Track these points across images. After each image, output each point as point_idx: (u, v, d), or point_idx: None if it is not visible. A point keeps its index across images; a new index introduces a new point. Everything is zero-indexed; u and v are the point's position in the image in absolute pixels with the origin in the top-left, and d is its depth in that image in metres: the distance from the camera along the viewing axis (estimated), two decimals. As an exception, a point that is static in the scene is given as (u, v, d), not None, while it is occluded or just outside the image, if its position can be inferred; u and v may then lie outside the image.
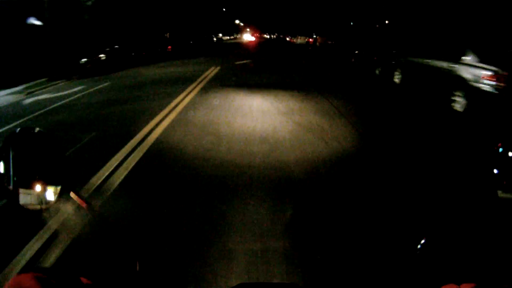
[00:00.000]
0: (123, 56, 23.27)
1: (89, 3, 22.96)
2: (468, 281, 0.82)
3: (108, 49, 22.55)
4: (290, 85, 11.64)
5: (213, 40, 73.96)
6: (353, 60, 17.26)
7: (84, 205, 1.00)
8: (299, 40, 43.68)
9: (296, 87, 11.21)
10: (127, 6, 32.63)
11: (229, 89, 11.21)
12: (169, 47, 42.45)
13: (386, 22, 35.21)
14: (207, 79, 13.58)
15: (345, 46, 24.91)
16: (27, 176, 0.93)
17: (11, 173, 0.92)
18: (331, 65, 18.22)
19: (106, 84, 14.72)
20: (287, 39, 61.89)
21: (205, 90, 11.18)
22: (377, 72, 14.00)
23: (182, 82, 13.04)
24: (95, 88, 13.74)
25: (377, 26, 34.75)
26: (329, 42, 29.96)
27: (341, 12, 39.92)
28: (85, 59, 20.99)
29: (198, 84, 12.46)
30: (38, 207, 0.95)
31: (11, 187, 0.92)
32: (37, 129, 0.97)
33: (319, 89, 10.83)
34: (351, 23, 43.60)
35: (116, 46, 23.48)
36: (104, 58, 21.79)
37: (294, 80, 12.97)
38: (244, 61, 20.84)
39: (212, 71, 15.98)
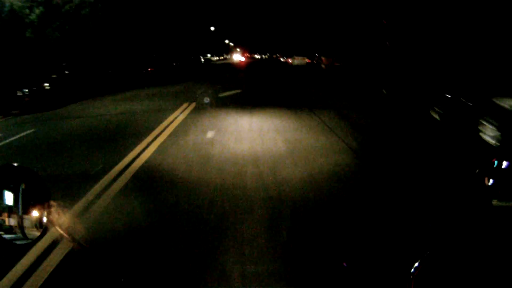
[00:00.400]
0: (75, 84, 18.11)
1: (33, 16, 17.88)
2: None
3: (55, 75, 17.42)
4: (312, 150, 6.55)
5: (201, 61, 69.71)
6: (384, 92, 12.26)
7: (66, 235, 1.17)
8: (297, 60, 38.48)
9: (329, 158, 6.11)
10: (99, 23, 27.78)
11: (196, 164, 6.10)
12: (150, 69, 37.59)
13: (386, 42, 30.74)
14: (168, 131, 8.44)
15: (359, 69, 20.16)
16: (31, 205, 1.07)
17: (20, 203, 1.05)
18: (354, 99, 13.22)
19: (27, 133, 9.72)
20: (281, 59, 56.88)
21: (153, 164, 6.05)
22: (435, 116, 9.00)
23: (127, 137, 7.96)
24: (6, 141, 8.81)
25: (387, 43, 30.30)
26: (337, 64, 25.09)
27: (343, 28, 35.53)
28: (25, 90, 15.87)
29: (151, 142, 7.33)
30: (38, 233, 1.07)
31: (20, 215, 1.04)
32: (16, 164, 1.13)
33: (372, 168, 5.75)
34: (350, 41, 39.17)
35: (66, 72, 18.35)
36: (49, 87, 16.64)
37: (313, 136, 7.93)
38: (231, 92, 15.79)
39: (182, 112, 10.86)
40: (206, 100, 13.26)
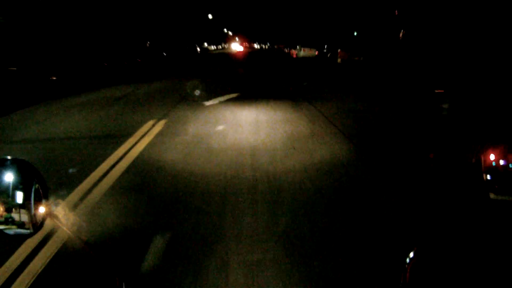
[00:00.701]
0: (25, 83, 13.93)
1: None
2: None
3: (-7, 73, 13.22)
4: None
5: (197, 51, 65.43)
6: (445, 109, 7.93)
7: (62, 226, 1.16)
8: (303, 52, 33.48)
9: None
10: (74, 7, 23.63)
11: None
12: (138, 60, 33.34)
13: (402, 32, 26.46)
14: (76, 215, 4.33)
15: (388, 67, 16.00)
16: (37, 200, 1.10)
17: (32, 201, 1.06)
18: (400, 116, 9.14)
19: None
20: (285, 50, 51.69)
21: None
22: None
23: None
24: None
25: (401, 34, 26.11)
26: (356, 59, 20.69)
27: (353, 17, 31.25)
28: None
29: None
30: (37, 225, 1.10)
31: (32, 213, 1.06)
32: (9, 157, 1.11)
33: None
34: (355, 33, 34.97)
35: (12, 68, 14.12)
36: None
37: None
38: (225, 98, 11.61)
39: (139, 141, 6.71)
40: (185, 114, 9.15)
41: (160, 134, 7.15)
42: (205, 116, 8.88)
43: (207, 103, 10.54)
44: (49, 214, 1.10)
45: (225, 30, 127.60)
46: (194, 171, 5.07)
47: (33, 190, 1.06)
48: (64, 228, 1.15)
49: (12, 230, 1.05)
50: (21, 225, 1.05)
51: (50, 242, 3.26)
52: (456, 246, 1.16)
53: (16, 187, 1.05)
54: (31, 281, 2.78)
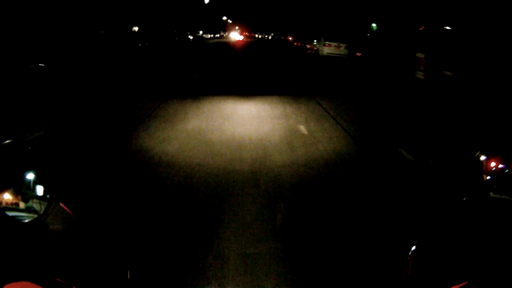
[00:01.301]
0: None
1: None
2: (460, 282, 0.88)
3: None
4: None
5: (189, 39, 56.69)
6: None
7: (72, 214, 1.11)
8: (328, 48, 22.88)
9: None
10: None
11: None
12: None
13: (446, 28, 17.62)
14: None
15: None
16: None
17: (51, 191, 1.03)
18: None
19: None
20: (296, 44, 41.36)
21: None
22: None
23: None
24: None
25: (445, 29, 17.43)
26: (449, 74, 11.45)
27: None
28: None
29: None
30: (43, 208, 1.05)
31: (51, 203, 1.01)
32: (19, 142, 1.05)
33: None
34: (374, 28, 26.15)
35: None
36: None
37: None
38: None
39: None
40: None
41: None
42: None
43: None
44: (58, 200, 1.05)
45: (225, 18, 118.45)
46: None
47: (53, 181, 1.03)
48: (72, 215, 1.07)
49: (21, 217, 0.99)
50: (38, 213, 1.01)
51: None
52: (457, 239, 1.16)
53: (37, 178, 1.01)
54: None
